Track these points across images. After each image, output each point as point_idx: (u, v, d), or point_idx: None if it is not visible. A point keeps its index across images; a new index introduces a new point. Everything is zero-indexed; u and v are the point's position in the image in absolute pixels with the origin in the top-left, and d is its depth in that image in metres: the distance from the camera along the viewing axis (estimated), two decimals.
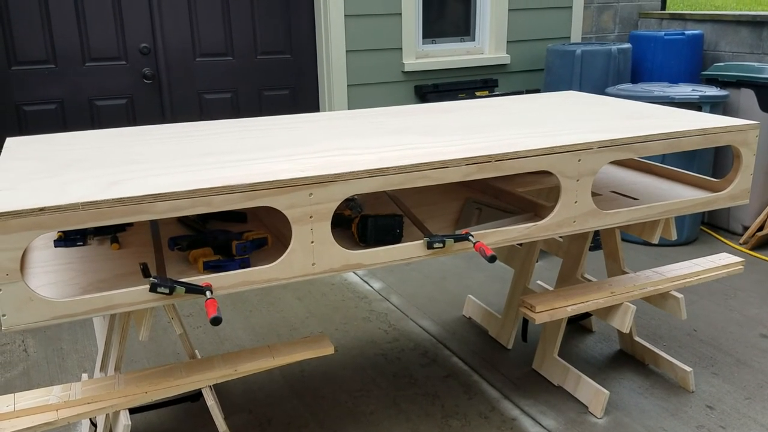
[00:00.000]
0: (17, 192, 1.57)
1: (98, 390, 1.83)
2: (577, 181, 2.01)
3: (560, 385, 2.61)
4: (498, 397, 2.57)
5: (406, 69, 4.51)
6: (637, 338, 2.80)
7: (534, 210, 2.18)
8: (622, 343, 2.89)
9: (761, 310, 3.25)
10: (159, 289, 1.58)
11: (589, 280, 2.61)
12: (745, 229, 4.20)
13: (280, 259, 1.72)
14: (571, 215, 2.05)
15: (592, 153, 2.01)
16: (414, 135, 2.13)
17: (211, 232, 1.91)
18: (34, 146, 2.07)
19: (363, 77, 4.42)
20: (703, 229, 4.39)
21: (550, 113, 2.45)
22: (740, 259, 2.58)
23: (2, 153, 1.99)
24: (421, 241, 1.87)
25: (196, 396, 2.16)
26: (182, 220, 2.16)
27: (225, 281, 1.68)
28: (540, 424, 2.41)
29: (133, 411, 1.93)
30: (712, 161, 4.09)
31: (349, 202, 2.14)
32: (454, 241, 1.88)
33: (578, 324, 3.10)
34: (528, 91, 4.78)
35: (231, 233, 1.89)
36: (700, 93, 3.85)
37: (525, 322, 2.87)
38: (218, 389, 2.63)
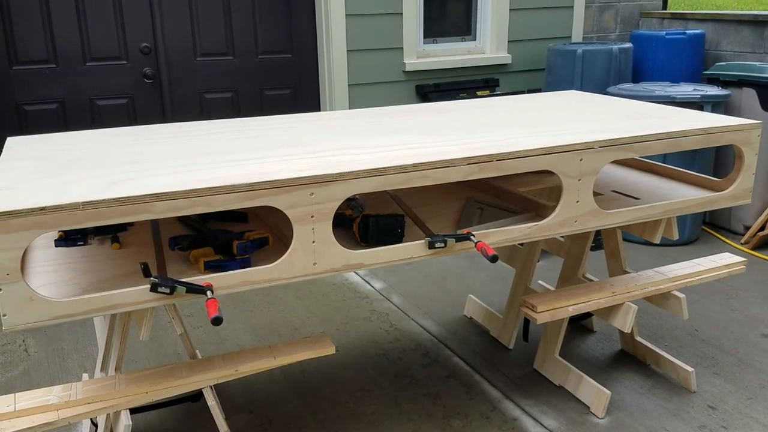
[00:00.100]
0: (18, 191, 1.57)
1: (99, 390, 1.83)
2: (579, 180, 2.01)
3: (561, 385, 2.61)
4: (499, 397, 2.57)
5: (407, 69, 4.50)
6: (638, 338, 2.79)
7: (535, 210, 2.17)
8: (624, 343, 2.88)
9: (763, 309, 3.25)
10: (160, 289, 1.58)
11: (591, 280, 2.61)
12: (747, 228, 4.19)
13: (281, 259, 1.72)
14: (572, 215, 2.04)
15: (594, 152, 2.00)
16: (415, 135, 2.12)
17: (212, 231, 1.90)
18: (34, 146, 2.07)
19: (364, 77, 4.42)
20: (705, 228, 4.38)
21: (552, 113, 2.44)
22: (742, 259, 2.58)
23: (3, 152, 1.99)
24: (423, 240, 1.87)
25: (197, 396, 2.15)
26: (183, 220, 2.15)
27: (226, 281, 1.68)
28: (541, 424, 2.40)
29: (133, 411, 1.93)
30: (713, 161, 4.08)
31: (350, 202, 2.14)
32: (456, 241, 1.88)
33: (579, 324, 3.09)
34: (529, 91, 4.78)
35: (232, 233, 1.89)
36: (701, 92, 3.84)
37: (526, 322, 2.87)
38: (218, 389, 2.63)
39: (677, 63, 4.64)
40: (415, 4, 4.46)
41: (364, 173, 1.73)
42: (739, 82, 4.09)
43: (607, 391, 2.43)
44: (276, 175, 1.67)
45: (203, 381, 1.92)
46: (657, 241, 2.34)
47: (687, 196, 2.30)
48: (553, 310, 2.28)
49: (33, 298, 1.51)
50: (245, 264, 1.76)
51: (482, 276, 3.70)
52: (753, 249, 4.02)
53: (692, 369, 2.59)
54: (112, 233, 2.04)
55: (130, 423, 1.84)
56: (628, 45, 4.48)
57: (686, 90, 3.92)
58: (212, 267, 1.75)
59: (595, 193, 2.37)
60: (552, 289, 3.05)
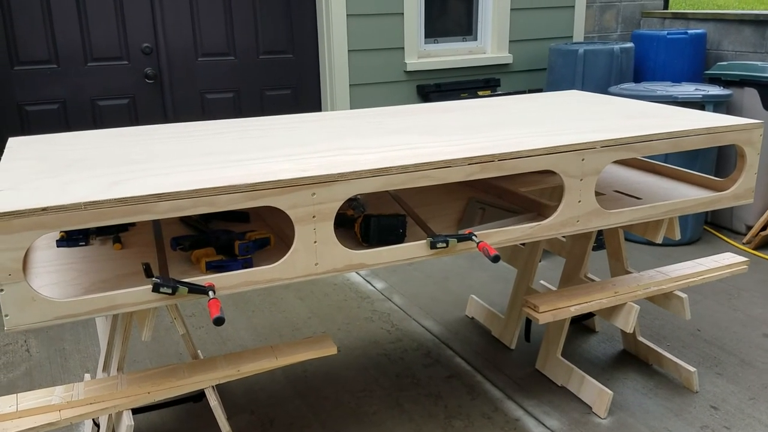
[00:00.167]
0: (19, 192, 1.56)
1: (101, 390, 1.83)
2: (581, 180, 2.01)
3: (564, 386, 2.61)
4: (501, 397, 2.57)
5: (409, 69, 4.50)
6: (640, 338, 2.79)
7: (537, 209, 2.17)
8: (626, 343, 2.88)
9: (765, 309, 3.24)
10: (162, 290, 1.58)
11: (593, 280, 2.61)
12: (749, 228, 4.19)
13: (282, 259, 1.71)
14: (574, 215, 2.04)
15: (596, 152, 2.00)
16: (416, 135, 2.12)
17: (214, 232, 1.90)
18: (36, 146, 2.07)
19: (365, 77, 4.42)
20: (707, 228, 4.38)
21: (553, 113, 2.44)
22: (744, 259, 2.57)
23: (4, 153, 1.99)
24: (424, 240, 1.87)
25: (199, 396, 2.15)
26: (185, 220, 2.15)
27: (228, 281, 1.68)
28: (543, 425, 2.40)
29: (135, 411, 1.93)
30: (714, 160, 4.08)
31: (351, 202, 2.14)
32: (458, 241, 1.88)
33: (581, 324, 3.09)
34: (530, 91, 4.78)
35: (234, 233, 1.89)
36: (703, 92, 3.84)
37: (528, 322, 2.87)
38: (220, 390, 2.63)
39: (679, 63, 4.63)
40: (416, 4, 4.46)
41: (366, 173, 1.73)
42: (740, 81, 4.08)
43: (610, 392, 2.43)
44: (278, 176, 1.67)
45: (205, 381, 1.92)
46: (659, 241, 2.34)
47: (689, 196, 2.29)
48: (555, 310, 2.28)
49: (35, 298, 1.51)
50: (247, 264, 1.76)
51: (484, 276, 3.70)
52: (755, 249, 4.02)
53: (694, 369, 2.58)
54: (113, 233, 2.04)
55: (132, 423, 1.84)
56: (630, 45, 4.48)
57: (688, 90, 3.91)
58: (214, 267, 1.74)
59: (597, 193, 2.37)
60: (554, 289, 3.05)
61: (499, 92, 4.78)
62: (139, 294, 1.59)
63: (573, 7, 5.01)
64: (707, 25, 4.84)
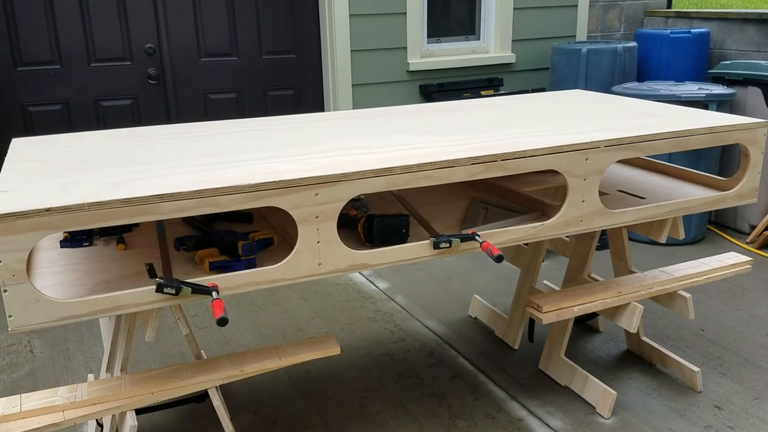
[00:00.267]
0: (23, 193, 1.57)
1: (104, 391, 1.83)
2: (585, 180, 2.00)
3: (567, 386, 2.60)
4: (505, 397, 2.57)
5: (411, 68, 4.50)
6: (644, 338, 2.78)
7: (541, 209, 2.17)
8: (630, 343, 2.88)
9: None
10: (165, 290, 1.58)
11: (596, 280, 2.60)
12: (752, 228, 4.18)
13: (286, 260, 1.71)
14: (578, 214, 2.04)
15: (599, 152, 2.00)
16: (419, 135, 2.12)
17: (217, 232, 1.90)
18: (39, 147, 2.07)
19: (368, 77, 4.42)
20: (710, 228, 4.37)
21: (556, 112, 2.44)
22: (748, 259, 2.57)
23: (8, 154, 1.99)
24: (428, 241, 1.86)
25: (202, 397, 2.15)
26: (188, 221, 2.15)
27: (231, 282, 1.68)
28: (547, 425, 2.40)
29: (139, 412, 1.93)
30: (718, 160, 4.07)
31: (354, 202, 2.14)
32: (461, 241, 1.88)
33: (585, 324, 3.09)
34: (533, 90, 4.77)
35: (237, 233, 1.89)
36: (706, 91, 3.83)
37: (531, 322, 2.86)
38: (223, 390, 2.63)
39: (682, 62, 4.63)
40: (419, 3, 4.46)
41: (369, 173, 1.73)
42: (744, 80, 4.07)
43: (613, 392, 2.42)
44: (281, 176, 1.67)
45: (208, 381, 1.92)
46: (663, 240, 2.33)
47: (693, 196, 2.29)
48: (558, 310, 2.28)
49: (39, 299, 1.51)
50: (250, 265, 1.76)
51: (487, 276, 3.70)
52: (759, 248, 4.01)
53: (698, 369, 2.58)
54: (117, 234, 2.05)
55: (136, 424, 1.84)
56: (633, 44, 4.47)
57: (691, 89, 3.90)
58: (217, 268, 1.74)
59: (601, 193, 2.36)
60: (557, 289, 3.05)
61: (502, 92, 4.77)
62: (143, 294, 1.60)
63: (576, 6, 5.00)
64: (710, 24, 4.83)
